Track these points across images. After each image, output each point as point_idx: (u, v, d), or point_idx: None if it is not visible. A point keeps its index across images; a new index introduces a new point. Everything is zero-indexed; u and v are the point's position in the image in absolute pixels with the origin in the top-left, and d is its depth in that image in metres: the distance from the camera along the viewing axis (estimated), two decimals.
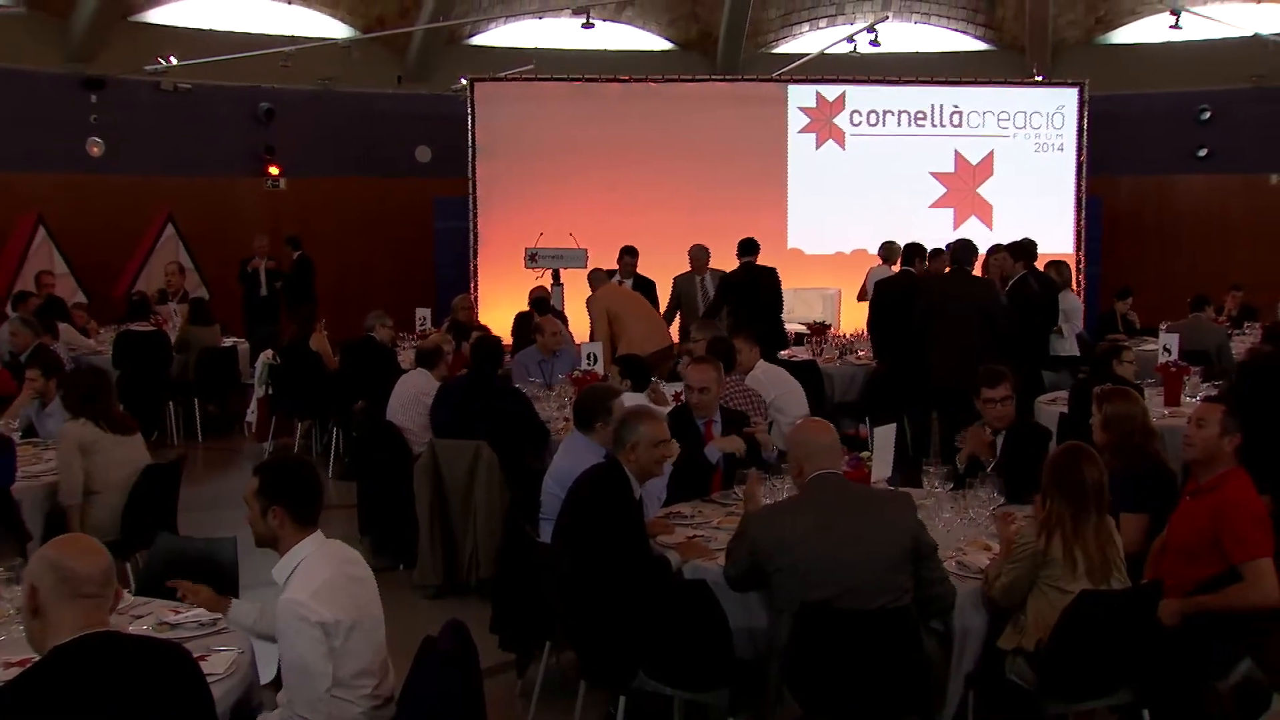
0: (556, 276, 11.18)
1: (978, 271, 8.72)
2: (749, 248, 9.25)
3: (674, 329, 9.73)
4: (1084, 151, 12.99)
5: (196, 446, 9.87)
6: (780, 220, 12.84)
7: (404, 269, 14.14)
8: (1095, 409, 4.60)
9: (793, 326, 10.53)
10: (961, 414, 5.35)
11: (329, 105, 14.18)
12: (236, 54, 12.84)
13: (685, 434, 5.23)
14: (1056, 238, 12.60)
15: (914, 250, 8.63)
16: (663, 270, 10.06)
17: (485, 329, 8.78)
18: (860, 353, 9.43)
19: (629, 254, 10.06)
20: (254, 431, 9.76)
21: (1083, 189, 13.04)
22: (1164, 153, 14.35)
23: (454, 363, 7.60)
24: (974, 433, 5.03)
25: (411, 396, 6.89)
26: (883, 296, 8.69)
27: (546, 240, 11.44)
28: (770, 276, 9.17)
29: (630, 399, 5.73)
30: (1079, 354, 8.89)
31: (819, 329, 10.00)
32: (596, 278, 9.33)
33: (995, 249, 9.24)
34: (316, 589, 3.03)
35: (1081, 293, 12.06)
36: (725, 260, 9.50)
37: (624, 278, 9.86)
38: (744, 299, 8.95)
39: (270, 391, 9.56)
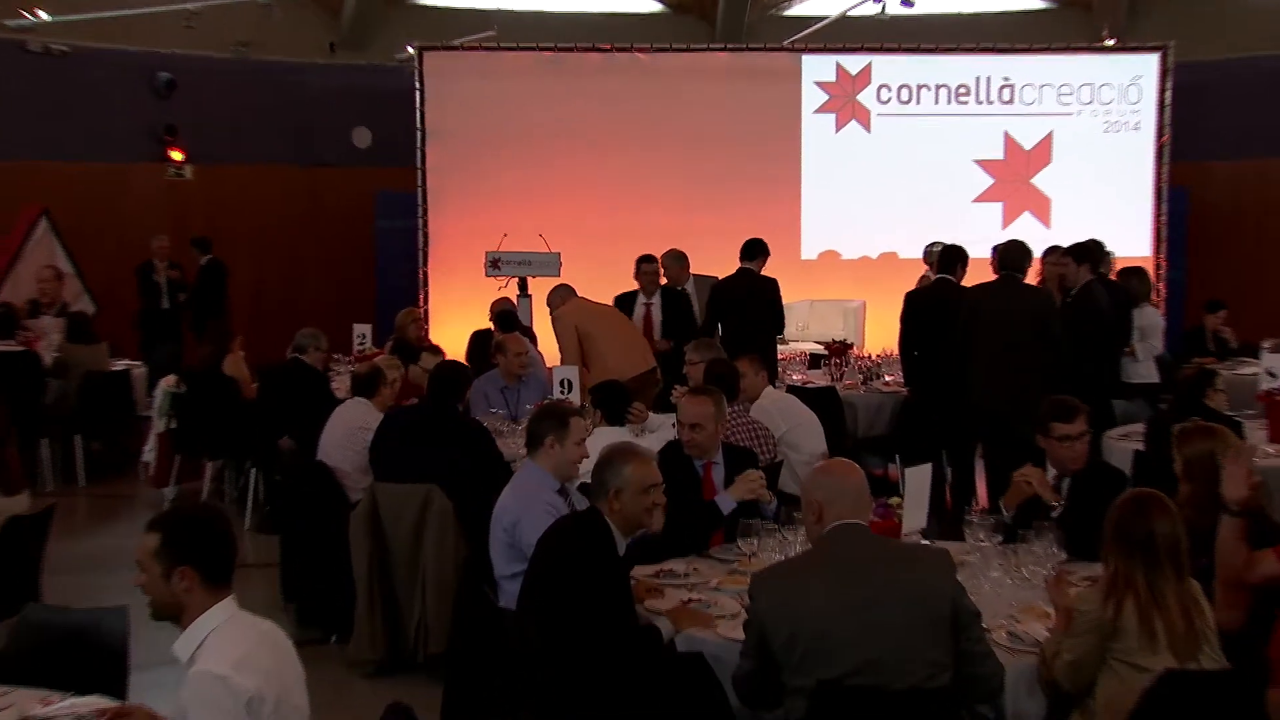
0: (523, 287, 11.21)
1: (1032, 279, 8.78)
2: (752, 251, 9.31)
3: None
4: (1166, 131, 13.02)
5: (76, 493, 9.84)
6: (793, 218, 12.92)
7: (339, 277, 14.15)
8: (1174, 452, 4.64)
9: (808, 346, 10.57)
10: (1010, 448, 5.38)
11: (245, 77, 14.21)
12: (127, 10, 12.82)
13: (679, 477, 5.25)
14: (1131, 237, 12.66)
15: (953, 255, 8.68)
16: None
17: (438, 349, 8.81)
18: (889, 378, 9.48)
19: (648, 262, 9.72)
20: (152, 474, 9.73)
21: (1163, 178, 13.07)
22: (1268, 131, 14.05)
23: (400, 389, 7.63)
24: (1031, 474, 5.06)
25: (348, 431, 6.89)
26: (916, 310, 8.74)
27: (511, 243, 11.47)
28: (769, 289, 9.25)
29: (605, 435, 5.77)
30: (1158, 380, 8.94)
31: (839, 349, 10.04)
32: (559, 295, 9.35)
33: (1053, 251, 9.30)
34: (238, 660, 3.03)
35: (1162, 304, 12.12)
36: (727, 269, 9.54)
37: (648, 295, 9.65)
38: (734, 313, 9.00)
39: (173, 425, 9.54)
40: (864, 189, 12.98)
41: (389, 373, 7.27)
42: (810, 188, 13.06)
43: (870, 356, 10.22)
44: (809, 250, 13.01)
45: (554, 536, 4.17)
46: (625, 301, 9.67)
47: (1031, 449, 5.23)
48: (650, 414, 7.03)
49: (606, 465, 4.23)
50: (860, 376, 9.57)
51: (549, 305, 9.21)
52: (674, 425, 6.28)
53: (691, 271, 9.98)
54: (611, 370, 8.24)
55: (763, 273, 9.32)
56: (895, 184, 12.95)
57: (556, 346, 8.95)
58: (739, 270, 9.30)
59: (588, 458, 4.77)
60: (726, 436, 5.70)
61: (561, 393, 7.83)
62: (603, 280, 10.63)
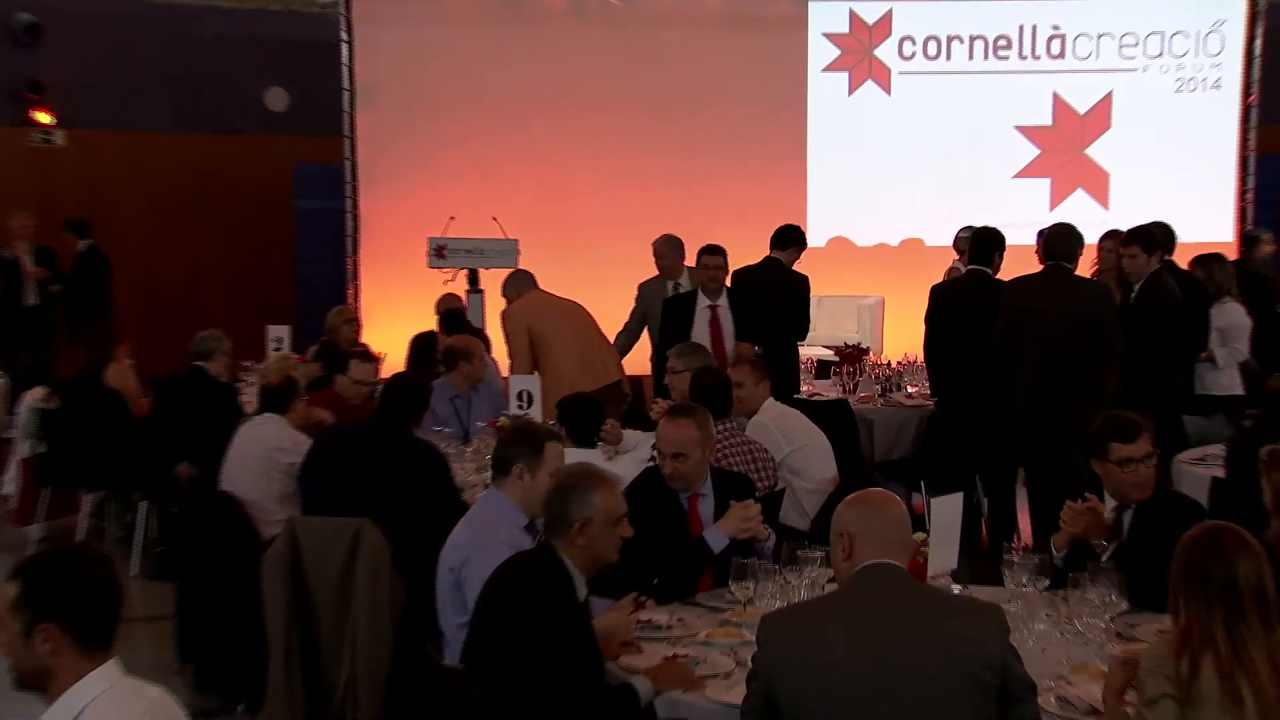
0: (474, 281, 11.20)
1: (1085, 270, 8.80)
2: (784, 239, 9.37)
3: (643, 357, 9.86)
4: (1254, 89, 12.98)
5: None
6: (796, 197, 12.90)
7: (249, 269, 14.12)
8: (1263, 480, 4.65)
9: (815, 351, 10.59)
10: (1059, 474, 5.38)
11: (129, 21, 14.12)
12: None
13: (660, 509, 5.25)
14: (1208, 219, 12.64)
15: (987, 240, 8.71)
16: (629, 272, 10.10)
17: (370, 355, 8.76)
18: (912, 389, 9.53)
19: (711, 254, 9.27)
20: (15, 509, 9.68)
21: (1250, 145, 13.04)
22: None
23: (315, 401, 7.63)
24: (1093, 507, 5.05)
25: (259, 454, 6.89)
26: (944, 308, 8.76)
27: (460, 228, 11.47)
28: (795, 284, 9.35)
29: (572, 458, 5.75)
30: (1242, 391, 8.96)
31: (853, 355, 10.06)
32: (514, 286, 9.33)
33: (1111, 236, 9.34)
34: None
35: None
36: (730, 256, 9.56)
37: (712, 296, 9.22)
38: (751, 309, 9.07)
39: (41, 449, 9.48)
40: (882, 163, 13.01)
41: (297, 375, 7.28)
42: (818, 161, 13.09)
43: (890, 364, 10.24)
44: (816, 236, 12.91)
45: (502, 579, 4.17)
46: (680, 306, 9.30)
47: (1086, 475, 5.23)
48: (624, 431, 7.04)
49: (569, 493, 4.24)
50: (878, 388, 9.59)
51: (505, 297, 9.21)
52: (653, 446, 6.29)
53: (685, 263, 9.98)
54: (565, 382, 8.30)
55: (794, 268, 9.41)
56: (920, 157, 12.99)
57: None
58: (765, 260, 9.31)
59: None
60: (717, 460, 5.71)
61: (520, 406, 7.83)
62: (567, 272, 10.66)
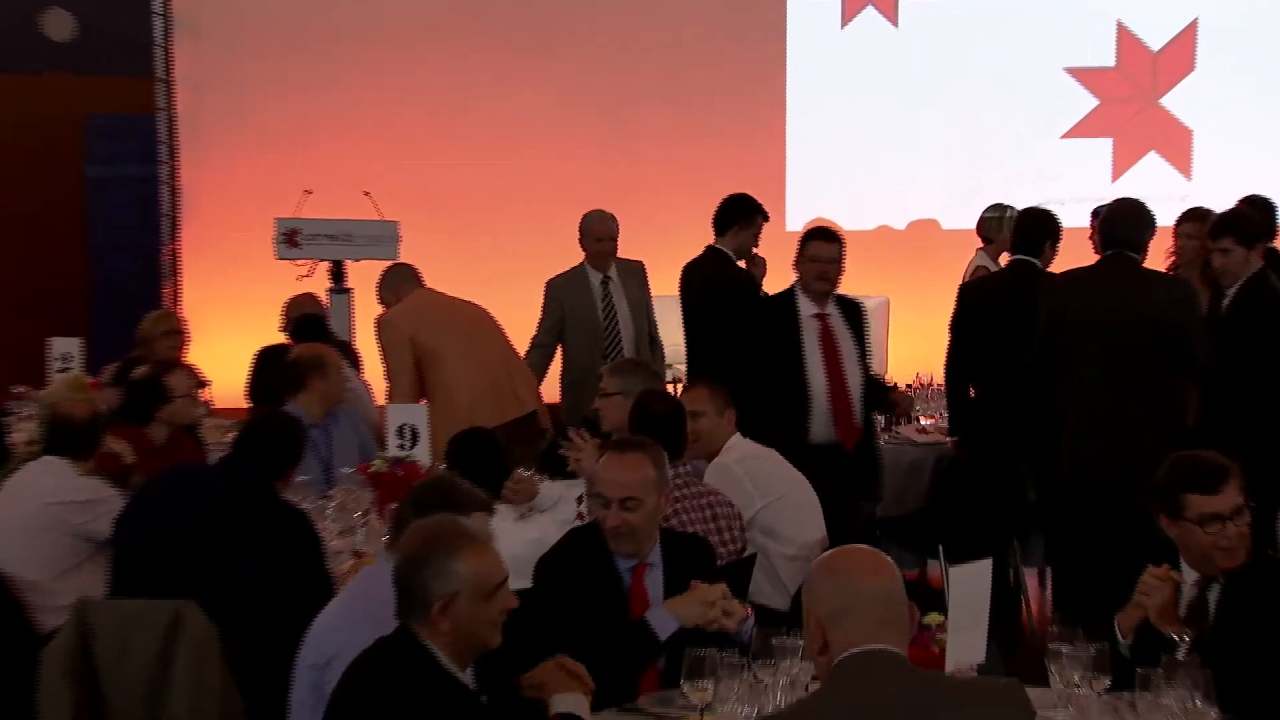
0: (339, 276, 11.19)
1: (1157, 262, 8.86)
2: (725, 218, 9.36)
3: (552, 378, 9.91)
4: None
5: None
6: (774, 165, 13.07)
7: (23, 260, 13.99)
8: None
9: None
10: (1126, 535, 5.40)
11: None
12: None
13: (594, 581, 5.27)
14: None
15: (1037, 224, 8.76)
16: (547, 264, 10.11)
17: (194, 374, 8.74)
18: (927, 420, 9.66)
19: (826, 240, 8.56)
20: None
21: None
22: None
23: (127, 436, 7.62)
24: (1157, 580, 5.07)
25: (35, 513, 6.83)
26: (976, 314, 8.80)
27: (319, 204, 11.46)
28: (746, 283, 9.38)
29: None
30: None
31: None
32: (392, 285, 9.32)
33: (1194, 218, 9.39)
34: None
35: None
36: (679, 243, 9.63)
37: (819, 302, 8.51)
38: (704, 311, 9.15)
39: None
40: (885, 118, 13.16)
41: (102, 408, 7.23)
42: (801, 118, 13.22)
43: (897, 386, 10.28)
44: (798, 217, 13.02)
45: (352, 677, 4.17)
46: (778, 313, 8.67)
47: (1159, 534, 5.24)
48: (541, 483, 7.02)
49: (423, 562, 4.19)
50: (881, 419, 9.62)
51: (380, 300, 9.20)
52: (578, 501, 6.28)
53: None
54: (462, 412, 8.35)
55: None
56: (936, 110, 13.15)
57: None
58: (706, 251, 9.33)
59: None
60: (666, 518, 5.69)
61: (401, 445, 7.79)
62: (463, 266, 10.74)
